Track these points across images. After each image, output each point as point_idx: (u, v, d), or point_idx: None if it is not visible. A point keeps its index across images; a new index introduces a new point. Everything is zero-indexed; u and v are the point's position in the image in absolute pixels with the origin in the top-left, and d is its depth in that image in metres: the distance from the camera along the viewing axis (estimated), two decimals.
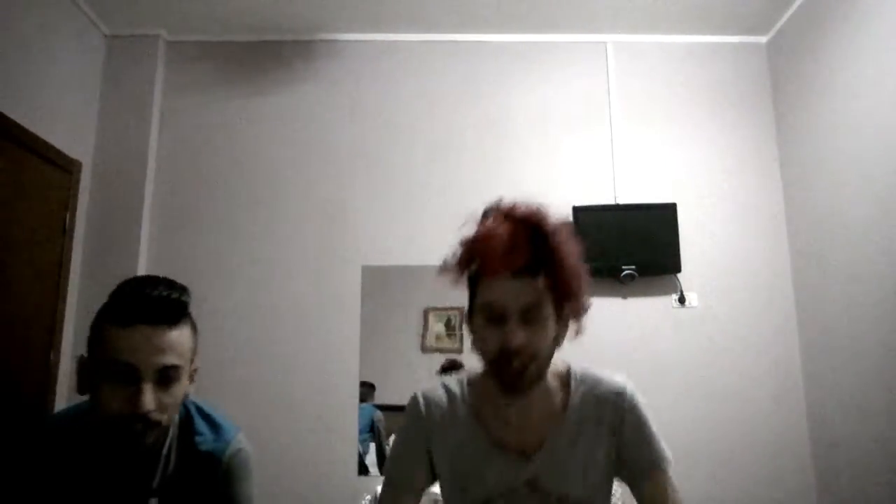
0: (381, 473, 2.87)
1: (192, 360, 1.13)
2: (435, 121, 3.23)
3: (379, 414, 2.96)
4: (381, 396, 3.00)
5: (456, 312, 3.01)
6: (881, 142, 2.43)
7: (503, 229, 1.00)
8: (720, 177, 3.18)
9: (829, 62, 2.79)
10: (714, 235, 3.11)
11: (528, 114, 3.23)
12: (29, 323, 2.57)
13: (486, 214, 1.07)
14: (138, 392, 1.00)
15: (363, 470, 2.88)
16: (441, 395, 1.18)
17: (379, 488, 2.77)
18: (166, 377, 1.04)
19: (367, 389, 2.97)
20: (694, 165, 3.19)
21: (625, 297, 3.05)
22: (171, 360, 1.04)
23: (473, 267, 1.06)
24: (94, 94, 3.11)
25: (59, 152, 2.77)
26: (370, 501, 2.65)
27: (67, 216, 2.83)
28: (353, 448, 2.90)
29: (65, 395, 2.78)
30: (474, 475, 1.09)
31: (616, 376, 1.15)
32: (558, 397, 1.12)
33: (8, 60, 2.48)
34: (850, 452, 2.64)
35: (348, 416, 2.93)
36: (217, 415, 1.22)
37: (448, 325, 3.01)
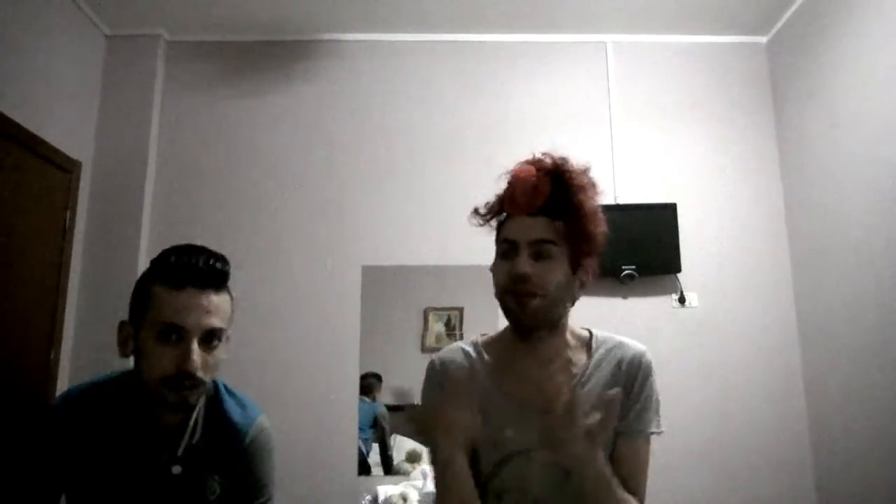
0: (385, 473, 2.90)
1: (229, 325, 1.18)
2: (435, 121, 3.23)
3: (384, 410, 2.96)
4: (382, 396, 3.00)
5: (456, 312, 3.01)
6: (881, 141, 2.43)
7: (526, 173, 1.10)
8: (720, 177, 3.18)
9: (829, 62, 2.79)
10: (714, 235, 3.11)
11: (528, 114, 3.23)
12: (29, 323, 2.57)
13: (513, 169, 1.17)
14: (187, 351, 1.05)
15: (363, 470, 2.88)
16: (459, 356, 1.18)
17: (380, 488, 2.78)
18: (210, 338, 1.10)
19: (374, 381, 2.96)
20: (694, 165, 3.19)
21: (625, 297, 3.05)
22: (215, 322, 1.10)
23: (502, 214, 1.15)
24: (94, 94, 3.11)
25: (59, 152, 2.77)
26: (370, 501, 2.65)
27: (67, 216, 2.83)
28: (353, 448, 2.90)
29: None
30: (495, 432, 1.08)
31: (637, 343, 1.22)
32: (580, 357, 1.15)
33: (8, 60, 2.48)
34: (850, 452, 2.64)
35: (348, 415, 2.93)
36: (242, 394, 1.27)
37: (448, 325, 3.01)
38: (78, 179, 2.92)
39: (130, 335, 1.11)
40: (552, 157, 1.14)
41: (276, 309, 3.02)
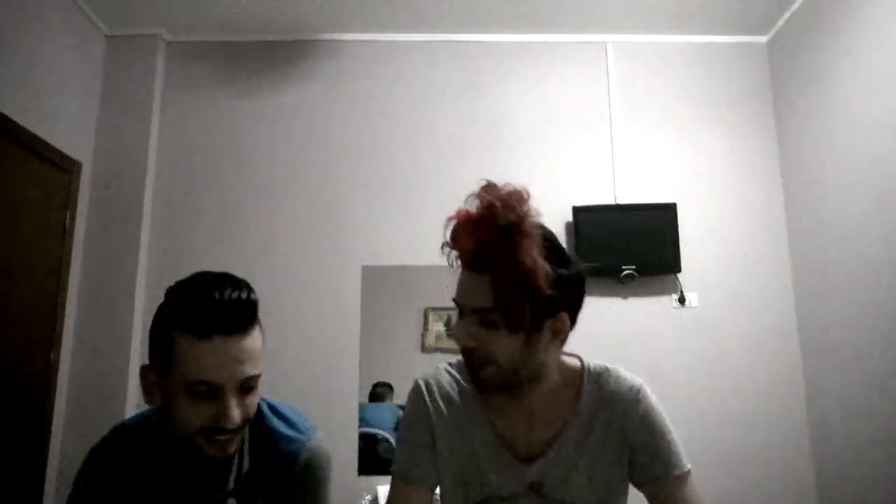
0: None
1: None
2: (435, 121, 3.23)
3: (402, 413, 2.96)
4: (393, 393, 3.00)
5: (456, 312, 3.01)
6: (881, 141, 2.44)
7: (463, 213, 0.93)
8: (720, 177, 3.18)
9: (829, 62, 2.79)
10: (714, 235, 3.11)
11: (528, 114, 3.23)
12: (29, 323, 2.57)
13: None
14: (225, 408, 0.95)
15: (363, 470, 2.88)
16: (447, 382, 1.11)
17: (380, 488, 2.78)
18: (247, 387, 0.99)
19: (386, 389, 2.97)
20: (694, 165, 3.19)
21: (625, 297, 3.05)
22: (251, 370, 0.98)
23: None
24: (94, 94, 3.11)
25: (59, 152, 2.77)
26: (370, 501, 2.65)
27: (67, 216, 2.83)
28: (353, 448, 2.90)
29: (64, 395, 2.78)
30: (476, 473, 1.02)
31: (630, 375, 1.08)
32: (568, 397, 1.05)
33: (8, 60, 2.48)
34: (849, 452, 2.64)
35: (348, 416, 2.93)
36: (291, 411, 1.16)
37: (448, 324, 3.01)
38: (78, 179, 2.92)
39: (156, 383, 1.00)
40: (495, 193, 0.94)
41: (277, 309, 3.02)
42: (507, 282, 0.89)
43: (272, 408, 1.15)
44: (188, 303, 0.98)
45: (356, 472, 2.87)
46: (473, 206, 0.92)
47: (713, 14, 3.13)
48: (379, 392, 2.96)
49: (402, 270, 3.05)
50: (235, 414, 0.96)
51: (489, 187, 0.94)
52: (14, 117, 2.46)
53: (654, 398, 1.06)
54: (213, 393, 0.95)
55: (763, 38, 3.32)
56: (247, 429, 1.07)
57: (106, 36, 3.18)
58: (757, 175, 3.19)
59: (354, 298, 3.03)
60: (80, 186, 2.94)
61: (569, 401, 1.04)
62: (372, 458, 2.90)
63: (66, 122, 2.86)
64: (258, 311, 1.03)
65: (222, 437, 0.97)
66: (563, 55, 3.30)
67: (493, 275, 0.90)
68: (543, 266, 0.89)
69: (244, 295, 1.01)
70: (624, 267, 2.95)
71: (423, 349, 3.01)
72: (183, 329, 0.95)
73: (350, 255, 3.08)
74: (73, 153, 2.89)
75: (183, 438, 0.98)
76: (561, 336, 0.98)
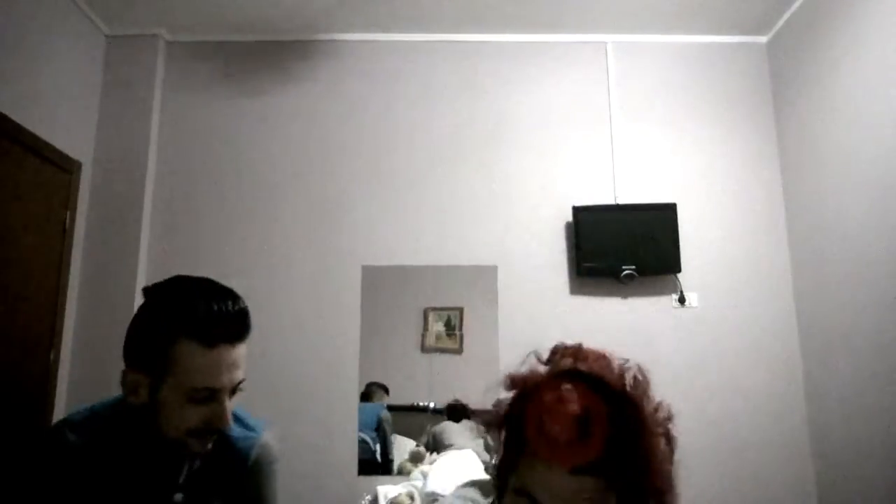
0: (383, 473, 2.89)
1: None
2: (435, 121, 3.23)
3: (387, 413, 2.97)
4: (383, 393, 3.00)
5: (456, 312, 3.01)
6: (881, 141, 2.44)
7: (574, 405, 0.71)
8: (720, 177, 3.18)
9: (829, 62, 2.79)
10: (714, 235, 3.11)
11: (527, 114, 3.23)
12: (29, 323, 2.57)
13: (553, 358, 0.82)
14: (221, 411, 1.01)
15: (370, 467, 2.88)
16: None
17: (380, 488, 2.79)
18: (235, 391, 1.06)
19: (375, 388, 2.97)
20: (694, 165, 3.19)
21: (625, 297, 3.05)
22: (241, 374, 1.05)
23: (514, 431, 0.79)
24: (94, 94, 3.11)
25: (59, 152, 2.77)
26: (370, 501, 2.65)
27: (67, 216, 2.83)
28: (353, 448, 2.90)
29: (64, 395, 2.78)
30: None
31: None
32: None
33: (8, 60, 2.48)
34: (849, 452, 2.64)
35: (348, 416, 2.93)
36: (245, 413, 1.20)
37: (448, 324, 3.01)
38: (78, 179, 2.92)
39: (143, 384, 1.00)
40: (607, 374, 0.76)
41: (276, 309, 3.02)
42: (642, 494, 0.72)
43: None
44: (195, 311, 0.99)
45: (356, 472, 2.87)
46: (570, 397, 0.72)
47: (713, 14, 3.13)
48: (367, 392, 2.96)
49: (402, 270, 3.05)
50: (229, 415, 1.02)
51: (579, 364, 0.77)
52: (14, 117, 2.46)
53: None
54: (210, 397, 1.00)
55: (763, 38, 3.32)
56: None
57: (106, 36, 3.18)
58: (757, 175, 3.19)
59: (354, 298, 3.03)
60: (80, 186, 2.94)
61: None
62: None
63: (66, 122, 2.86)
64: None
65: (211, 437, 1.03)
66: (563, 55, 3.30)
67: (622, 484, 0.72)
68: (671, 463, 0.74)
69: (242, 305, 1.06)
70: (624, 267, 2.95)
71: (423, 349, 3.01)
72: (190, 336, 0.98)
73: (350, 255, 3.08)
74: (73, 153, 2.89)
75: (171, 440, 1.01)
76: None
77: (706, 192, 3.16)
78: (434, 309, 3.03)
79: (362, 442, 2.92)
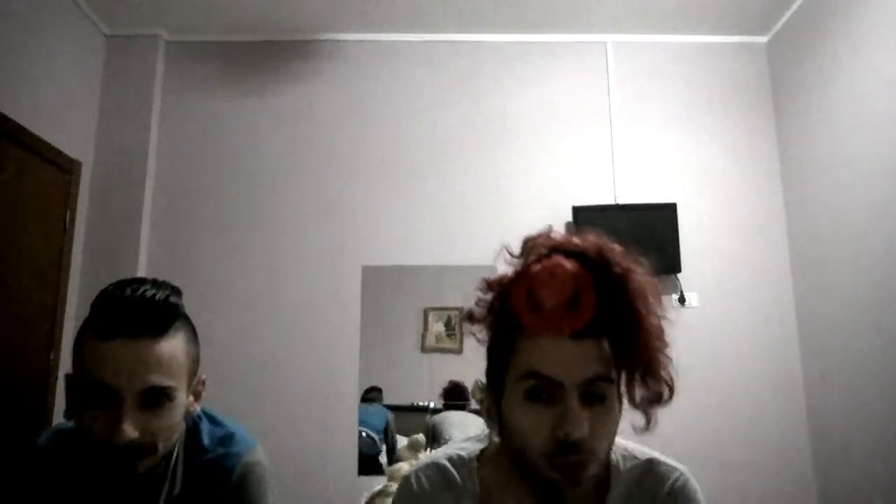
0: (383, 473, 2.90)
1: (191, 375, 0.96)
2: (435, 121, 3.23)
3: (391, 415, 2.98)
4: (382, 397, 3.01)
5: (456, 312, 3.01)
6: (881, 141, 2.43)
7: (564, 270, 0.73)
8: (720, 177, 3.18)
9: (829, 62, 2.79)
10: (714, 235, 3.11)
11: (528, 114, 3.23)
12: (29, 323, 2.57)
13: (529, 246, 0.80)
14: (118, 419, 0.84)
15: (363, 470, 2.88)
16: (438, 481, 0.87)
17: (378, 487, 2.78)
18: (154, 399, 0.87)
19: (375, 394, 2.98)
20: (694, 165, 3.19)
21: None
22: (157, 379, 0.87)
23: (505, 320, 0.78)
24: (94, 94, 3.11)
25: (59, 152, 2.77)
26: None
27: (67, 216, 2.83)
28: (353, 448, 2.90)
29: (64, 394, 2.78)
30: None
31: (668, 462, 0.88)
32: (594, 490, 0.83)
33: (8, 60, 2.48)
34: (850, 452, 2.64)
35: (348, 416, 2.93)
36: (230, 424, 1.06)
37: (448, 324, 3.01)
38: (78, 179, 2.92)
39: (72, 391, 0.92)
40: (589, 242, 0.77)
41: (276, 309, 3.02)
42: (637, 344, 0.73)
43: (211, 419, 1.05)
44: (96, 305, 0.89)
45: (356, 472, 2.87)
46: (558, 264, 0.74)
47: (713, 14, 3.13)
48: (370, 397, 2.97)
49: (402, 270, 3.05)
50: (129, 428, 0.84)
51: (564, 238, 0.78)
52: (14, 117, 2.46)
53: (699, 492, 0.89)
54: (112, 399, 0.85)
55: (763, 38, 3.32)
56: (179, 445, 0.99)
57: (106, 36, 3.18)
58: (757, 175, 3.19)
59: (354, 298, 3.03)
60: (80, 186, 2.94)
61: (595, 497, 0.83)
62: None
63: (66, 122, 2.86)
64: (177, 317, 0.92)
65: (125, 457, 0.86)
66: (563, 55, 3.30)
67: (616, 337, 0.73)
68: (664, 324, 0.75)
69: (159, 296, 0.90)
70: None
71: (423, 349, 3.01)
72: (89, 331, 0.88)
73: (350, 255, 3.08)
74: (73, 153, 2.89)
75: (94, 453, 0.88)
76: (646, 428, 0.79)
77: (706, 192, 3.16)
78: (434, 309, 3.03)
79: (369, 438, 2.93)
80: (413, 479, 0.89)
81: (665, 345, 0.75)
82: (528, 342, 0.75)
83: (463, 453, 0.89)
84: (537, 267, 0.74)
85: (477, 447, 0.89)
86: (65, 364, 2.79)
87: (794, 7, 3.04)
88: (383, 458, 2.93)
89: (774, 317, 3.05)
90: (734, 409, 2.94)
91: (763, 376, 2.99)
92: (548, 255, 0.75)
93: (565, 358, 0.72)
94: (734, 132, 3.23)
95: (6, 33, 2.47)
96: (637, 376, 0.74)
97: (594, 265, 0.74)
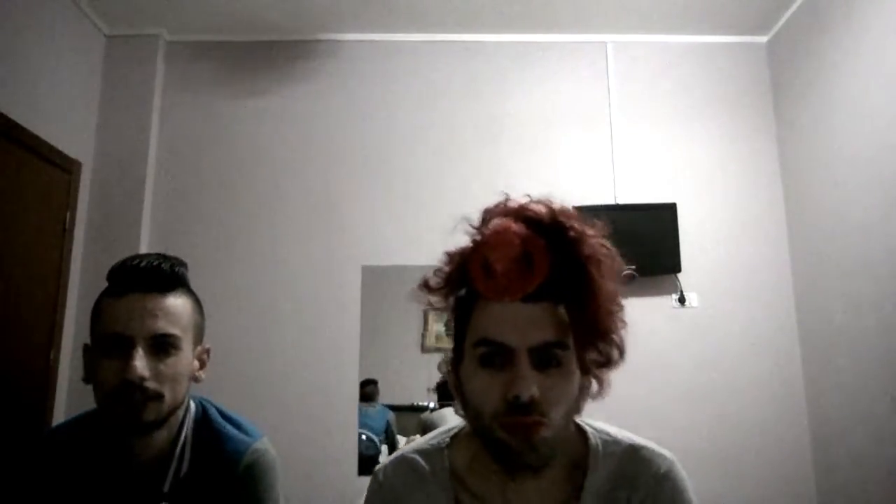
0: None
1: (196, 338, 1.05)
2: (435, 121, 3.23)
3: (392, 415, 2.98)
4: (383, 396, 3.01)
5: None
6: (881, 141, 2.43)
7: (512, 234, 0.73)
8: (720, 177, 3.18)
9: (829, 62, 2.79)
10: (714, 235, 3.11)
11: (527, 114, 3.23)
12: (29, 323, 2.57)
13: (487, 216, 0.80)
14: (129, 358, 0.94)
15: (363, 470, 2.88)
16: (406, 473, 0.86)
17: None
18: (162, 345, 0.98)
19: (374, 388, 2.97)
20: (694, 165, 3.19)
21: (625, 297, 3.03)
22: (164, 326, 0.98)
23: (463, 290, 0.79)
24: (94, 94, 3.11)
25: (59, 152, 2.77)
26: None
27: (67, 216, 2.83)
28: (353, 448, 2.90)
29: (64, 395, 2.78)
30: None
31: (653, 447, 0.85)
32: (571, 475, 0.81)
33: (8, 60, 2.48)
34: (850, 452, 2.64)
35: (348, 416, 2.93)
36: (240, 418, 1.12)
37: (448, 325, 3.01)
38: (78, 179, 2.92)
39: (86, 359, 1.02)
40: (543, 207, 0.77)
41: (276, 309, 3.02)
42: (593, 311, 0.72)
43: (221, 412, 1.12)
44: (111, 272, 1.03)
45: (356, 472, 2.88)
46: (507, 228, 0.74)
47: (713, 14, 3.13)
48: (368, 391, 2.96)
49: (402, 270, 3.05)
50: (140, 365, 0.93)
51: (520, 204, 0.78)
52: (14, 117, 2.46)
53: (685, 476, 0.85)
54: (124, 346, 0.95)
55: (763, 38, 3.32)
56: (188, 429, 1.05)
57: (106, 36, 3.18)
58: (757, 175, 3.19)
59: (354, 298, 3.03)
60: (80, 186, 2.94)
61: (572, 483, 0.81)
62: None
63: (66, 122, 2.86)
64: (183, 282, 1.06)
65: (134, 397, 0.93)
66: (563, 55, 3.30)
67: (569, 300, 0.73)
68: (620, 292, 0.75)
69: (165, 265, 1.03)
70: (624, 267, 2.94)
71: (423, 349, 3.01)
72: (105, 293, 1.01)
73: (350, 255, 3.08)
74: (73, 153, 2.89)
75: (102, 410, 0.98)
76: (599, 392, 0.78)
77: (706, 192, 3.16)
78: (434, 309, 3.03)
79: (368, 440, 2.93)
80: (381, 475, 0.89)
81: (619, 308, 0.75)
82: (482, 309, 0.76)
83: (433, 441, 0.88)
84: (488, 232, 0.76)
85: (449, 434, 0.88)
86: (65, 364, 2.79)
87: (794, 7, 3.04)
88: (384, 459, 2.94)
89: (774, 317, 3.05)
90: (734, 409, 2.94)
91: (763, 376, 2.98)
92: (508, 219, 0.76)
93: (516, 322, 0.72)
94: (734, 132, 3.23)
95: (6, 33, 2.47)
96: (590, 341, 0.73)
97: (547, 229, 0.74)
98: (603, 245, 0.76)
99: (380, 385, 3.01)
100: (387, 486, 0.87)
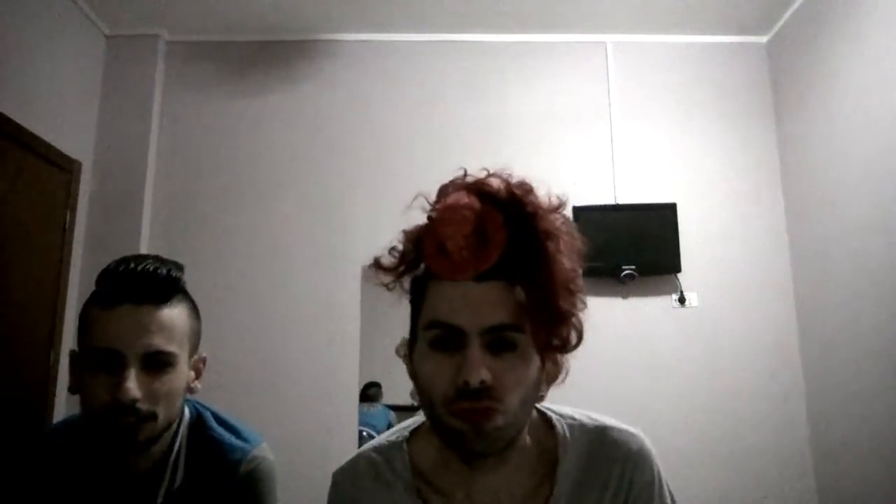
0: None
1: (192, 347, 0.98)
2: (435, 121, 3.23)
3: (393, 415, 2.98)
4: (384, 397, 3.01)
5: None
6: (881, 141, 2.43)
7: (465, 209, 0.69)
8: (720, 177, 3.18)
9: (829, 62, 2.79)
10: (714, 235, 3.11)
11: (528, 114, 3.23)
12: (29, 323, 2.57)
13: (443, 191, 0.76)
14: (121, 378, 0.87)
15: None
16: (364, 474, 0.82)
17: None
18: (156, 363, 0.91)
19: (377, 390, 2.98)
20: (694, 165, 3.19)
21: (625, 297, 3.05)
22: (159, 342, 0.90)
23: (419, 268, 0.76)
24: (94, 94, 3.11)
25: (59, 152, 2.77)
26: None
27: (67, 216, 2.83)
28: (353, 448, 2.90)
29: (64, 395, 2.78)
30: None
31: (621, 427, 0.81)
32: (538, 463, 0.78)
33: (8, 60, 2.48)
34: (850, 452, 2.64)
35: (348, 416, 2.93)
36: (237, 422, 1.06)
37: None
38: (78, 179, 2.92)
39: (74, 370, 0.95)
40: (502, 179, 0.73)
41: (276, 309, 3.02)
42: (550, 291, 0.67)
43: (217, 417, 1.05)
44: (100, 278, 0.94)
45: None
46: (460, 202, 0.70)
47: (713, 14, 3.13)
48: (371, 393, 2.96)
49: None
50: (132, 386, 0.87)
51: (478, 178, 0.74)
52: (14, 117, 2.46)
53: (655, 453, 0.82)
54: (116, 363, 0.88)
55: (763, 38, 3.32)
56: (182, 437, 0.99)
57: (106, 36, 3.18)
58: (757, 175, 3.19)
59: (354, 298, 3.03)
60: (80, 186, 2.94)
61: (541, 471, 0.77)
62: None
63: (66, 122, 2.86)
64: (180, 290, 0.98)
65: (127, 420, 0.88)
66: (563, 55, 3.30)
67: (524, 279, 0.68)
68: (579, 272, 0.70)
69: (162, 270, 0.95)
70: (624, 267, 2.95)
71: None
72: (93, 303, 0.92)
73: (350, 256, 3.08)
74: (73, 153, 2.89)
75: (91, 426, 0.92)
76: (560, 376, 0.75)
77: (706, 192, 3.16)
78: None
79: (370, 437, 2.93)
80: (338, 478, 0.85)
81: (577, 288, 0.69)
82: (434, 289, 0.72)
83: (392, 437, 0.83)
84: (440, 206, 0.72)
85: (408, 428, 0.84)
86: (64, 364, 2.79)
87: (794, 7, 3.03)
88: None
89: (774, 317, 3.05)
90: (734, 409, 2.94)
91: (763, 376, 2.98)
92: (462, 193, 0.71)
93: (468, 302, 0.68)
94: (734, 132, 3.23)
95: (6, 33, 2.47)
96: (546, 323, 0.67)
97: (504, 203, 0.69)
98: (563, 221, 0.71)
99: (382, 386, 3.01)
100: (344, 488, 0.83)
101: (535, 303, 0.67)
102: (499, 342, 0.68)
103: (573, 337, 0.70)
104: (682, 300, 3.04)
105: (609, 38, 3.31)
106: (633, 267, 2.96)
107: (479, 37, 3.29)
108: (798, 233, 3.05)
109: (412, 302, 0.78)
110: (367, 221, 3.12)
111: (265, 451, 1.04)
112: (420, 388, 0.73)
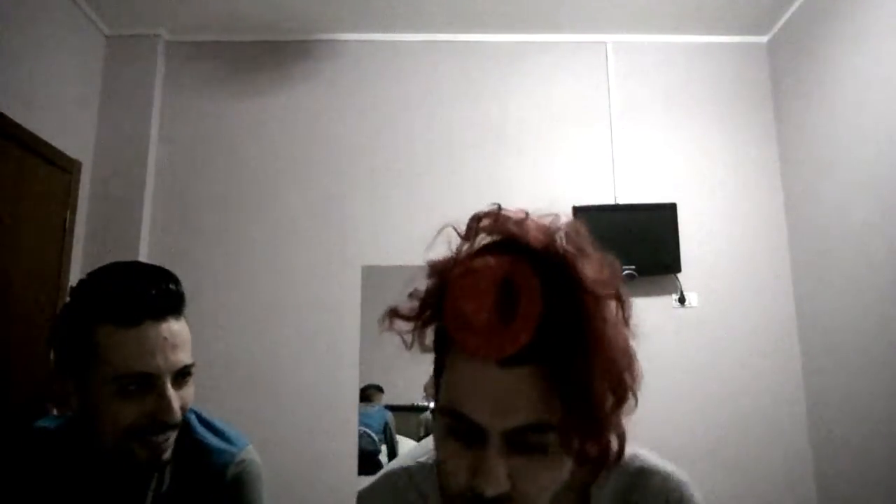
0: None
1: None
2: (435, 121, 3.23)
3: (390, 415, 2.98)
4: (382, 400, 3.01)
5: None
6: (882, 141, 2.43)
7: (492, 274, 0.57)
8: (720, 177, 3.18)
9: (829, 62, 2.79)
10: (714, 235, 3.11)
11: (528, 114, 3.23)
12: (29, 323, 2.57)
13: (472, 228, 0.64)
14: (165, 400, 0.86)
15: (363, 470, 2.89)
16: (393, 496, 0.79)
17: None
18: (181, 376, 0.90)
19: (374, 391, 2.98)
20: (694, 165, 3.19)
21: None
22: (184, 357, 0.90)
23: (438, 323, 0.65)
24: (94, 94, 3.11)
25: (59, 152, 2.76)
26: None
27: (67, 216, 2.83)
28: (353, 448, 2.90)
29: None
30: None
31: (666, 471, 0.75)
32: (570, 497, 0.71)
33: (8, 60, 2.47)
34: (850, 452, 2.64)
35: (348, 416, 2.93)
36: (222, 424, 1.05)
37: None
38: (78, 179, 2.92)
39: (70, 389, 0.89)
40: (544, 231, 0.59)
41: (276, 309, 3.02)
42: (590, 376, 0.54)
43: (200, 419, 1.03)
44: (108, 290, 0.88)
45: (356, 472, 2.87)
46: (487, 264, 0.57)
47: (713, 14, 3.13)
48: (368, 394, 2.97)
49: (402, 270, 3.03)
50: (177, 408, 0.87)
51: (512, 221, 0.60)
52: (14, 117, 2.46)
53: (701, 498, 0.74)
54: (147, 386, 0.86)
55: (763, 38, 3.32)
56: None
57: (106, 36, 3.18)
58: (757, 175, 3.19)
59: (354, 298, 3.03)
60: (80, 186, 2.94)
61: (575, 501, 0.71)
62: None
63: (66, 122, 2.86)
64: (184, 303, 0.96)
65: (159, 438, 0.87)
66: (563, 55, 3.30)
67: (560, 367, 0.55)
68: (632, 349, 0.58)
69: (172, 284, 0.92)
70: (624, 267, 2.91)
71: (423, 349, 3.01)
72: (104, 320, 0.86)
73: (350, 255, 3.08)
74: (73, 153, 2.89)
75: (110, 448, 0.87)
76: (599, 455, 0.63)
77: (706, 192, 3.16)
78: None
79: (367, 436, 2.93)
80: (365, 497, 0.81)
81: (633, 377, 0.58)
82: (453, 361, 0.61)
83: (421, 459, 0.77)
84: (460, 270, 0.59)
85: (430, 457, 0.77)
86: None
87: (794, 7, 3.03)
88: (384, 458, 2.93)
89: (774, 317, 3.05)
90: (734, 409, 2.94)
91: (763, 376, 2.98)
92: (485, 248, 0.60)
93: (491, 394, 0.56)
94: (734, 132, 3.23)
95: (6, 33, 2.47)
96: (578, 427, 0.55)
97: (544, 268, 0.56)
98: (617, 291, 0.58)
99: (380, 385, 3.01)
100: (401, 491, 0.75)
101: (570, 401, 0.55)
102: (523, 442, 0.57)
103: (614, 444, 0.58)
104: (682, 300, 3.04)
105: (609, 38, 3.31)
106: (633, 267, 2.95)
107: (479, 37, 3.30)
108: (798, 233, 3.05)
109: (436, 351, 0.67)
110: (367, 221, 3.12)
111: (251, 452, 1.02)
112: (439, 469, 0.64)
